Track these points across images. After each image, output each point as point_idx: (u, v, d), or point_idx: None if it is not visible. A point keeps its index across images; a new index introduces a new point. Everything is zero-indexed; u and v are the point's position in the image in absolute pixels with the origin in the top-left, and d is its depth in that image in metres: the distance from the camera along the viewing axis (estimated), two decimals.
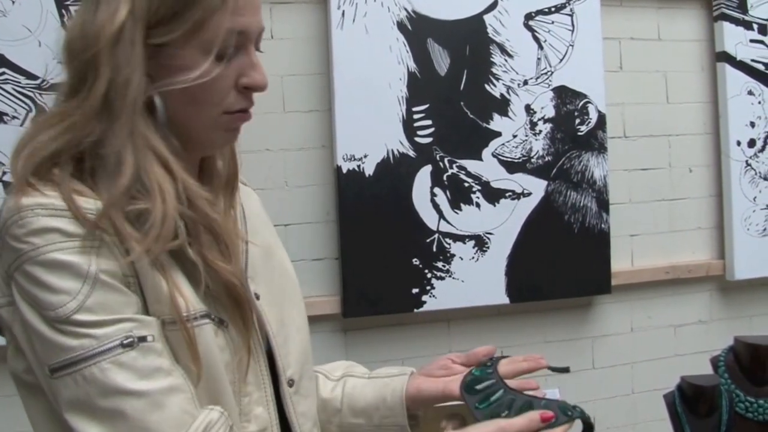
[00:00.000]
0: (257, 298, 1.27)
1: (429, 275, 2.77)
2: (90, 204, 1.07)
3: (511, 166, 2.86)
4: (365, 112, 2.70)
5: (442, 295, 2.78)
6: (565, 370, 1.49)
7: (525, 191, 2.87)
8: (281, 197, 2.70)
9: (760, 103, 3.17)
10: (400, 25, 2.73)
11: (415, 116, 2.75)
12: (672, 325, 3.20)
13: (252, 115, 1.21)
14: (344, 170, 2.68)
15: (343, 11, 2.66)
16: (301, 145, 2.73)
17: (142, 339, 1.06)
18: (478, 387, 1.37)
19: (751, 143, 3.17)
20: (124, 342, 1.05)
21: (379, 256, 2.72)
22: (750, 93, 3.16)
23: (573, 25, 2.93)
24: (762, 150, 3.18)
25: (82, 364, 1.03)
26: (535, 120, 2.88)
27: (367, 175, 2.70)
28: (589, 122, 2.95)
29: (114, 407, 1.03)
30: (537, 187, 2.89)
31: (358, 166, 2.70)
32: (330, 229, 2.75)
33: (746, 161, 3.16)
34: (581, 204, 2.94)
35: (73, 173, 1.10)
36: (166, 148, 1.12)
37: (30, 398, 1.15)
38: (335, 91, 2.68)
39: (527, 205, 2.88)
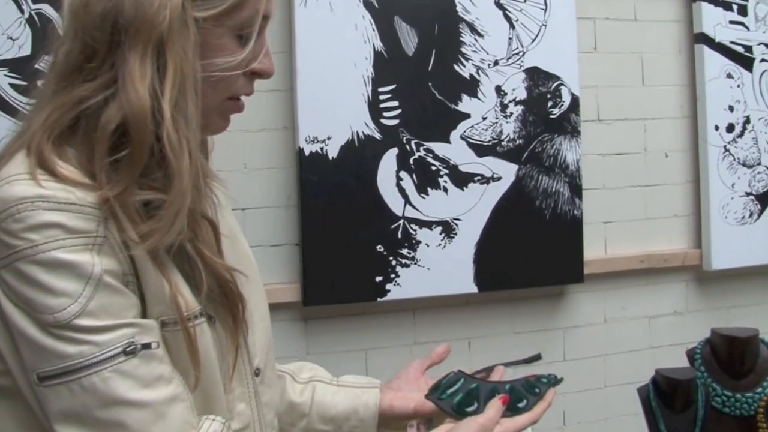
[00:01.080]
0: None
1: (394, 263, 2.70)
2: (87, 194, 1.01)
3: (481, 150, 2.79)
4: (329, 92, 2.63)
5: (407, 284, 2.71)
6: (537, 357, 1.54)
7: (495, 175, 2.80)
8: (240, 180, 2.62)
9: (739, 86, 3.12)
10: (366, 3, 2.65)
11: (381, 97, 2.68)
12: (647, 316, 3.16)
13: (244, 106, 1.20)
14: (306, 153, 2.60)
15: None
16: (262, 126, 2.66)
17: (146, 346, 1.01)
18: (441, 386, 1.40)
19: (730, 128, 3.12)
20: (127, 349, 1.00)
21: (341, 242, 2.65)
22: (729, 76, 3.11)
23: (546, 4, 2.87)
24: (741, 135, 3.14)
25: (80, 372, 0.97)
26: (505, 102, 2.81)
27: (330, 157, 2.63)
28: (562, 105, 2.89)
29: (114, 418, 0.98)
30: (507, 172, 2.82)
31: (321, 149, 2.62)
32: (291, 213, 2.68)
33: (724, 146, 3.12)
34: (553, 189, 2.88)
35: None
36: (189, 130, 1.06)
37: None
38: (298, 70, 2.60)
39: (497, 190, 2.82)
